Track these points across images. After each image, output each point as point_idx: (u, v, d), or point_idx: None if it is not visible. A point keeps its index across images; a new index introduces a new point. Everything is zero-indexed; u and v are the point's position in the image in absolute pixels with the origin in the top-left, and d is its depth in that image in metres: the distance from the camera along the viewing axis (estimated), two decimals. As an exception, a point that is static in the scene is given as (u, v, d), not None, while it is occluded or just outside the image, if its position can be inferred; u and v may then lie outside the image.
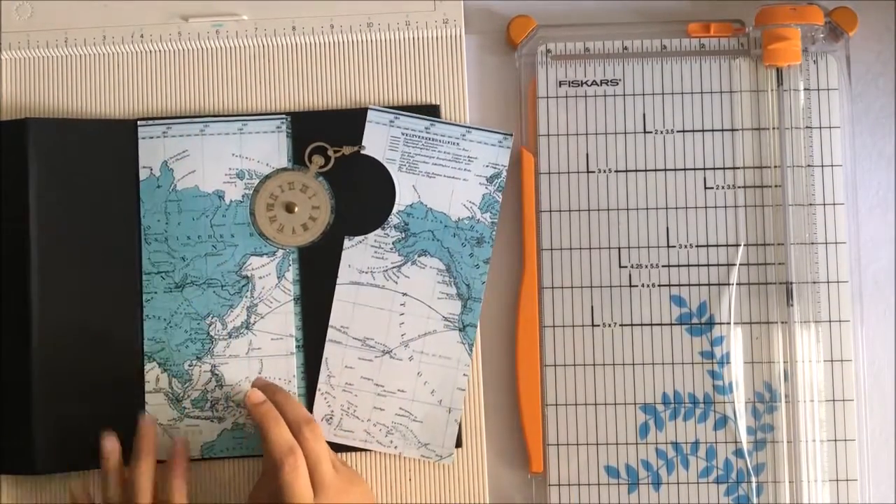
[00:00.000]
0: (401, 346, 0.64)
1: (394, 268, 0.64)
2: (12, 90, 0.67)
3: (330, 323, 0.64)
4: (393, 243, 0.64)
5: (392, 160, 0.65)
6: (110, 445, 0.61)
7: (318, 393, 0.64)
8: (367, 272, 0.64)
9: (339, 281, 0.64)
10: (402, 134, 0.65)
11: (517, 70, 0.67)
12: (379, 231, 0.65)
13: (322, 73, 0.67)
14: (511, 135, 0.65)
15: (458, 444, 0.64)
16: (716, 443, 0.63)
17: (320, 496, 0.57)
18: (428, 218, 0.65)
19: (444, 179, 0.65)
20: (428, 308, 0.64)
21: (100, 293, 0.64)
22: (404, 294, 0.64)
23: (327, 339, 0.64)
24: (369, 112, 0.65)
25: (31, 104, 0.66)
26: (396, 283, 0.64)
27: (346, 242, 0.64)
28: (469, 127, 0.65)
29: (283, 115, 0.66)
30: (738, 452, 0.63)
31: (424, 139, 0.65)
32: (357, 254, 0.65)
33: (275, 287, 0.64)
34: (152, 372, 0.64)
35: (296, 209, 0.65)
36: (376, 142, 0.65)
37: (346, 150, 0.65)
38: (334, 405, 0.64)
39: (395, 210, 0.65)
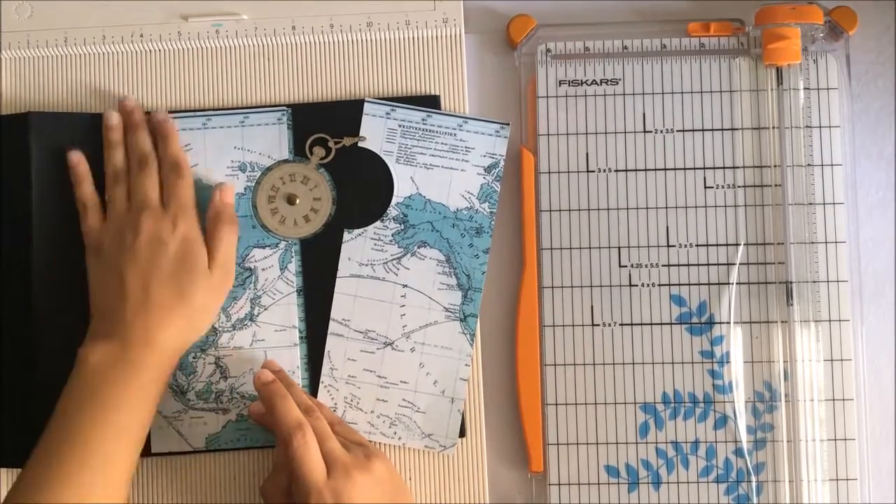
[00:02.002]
0: (402, 337, 0.64)
1: (394, 260, 0.64)
2: (12, 90, 0.67)
3: (331, 316, 0.64)
4: (392, 235, 0.65)
5: (389, 152, 0.65)
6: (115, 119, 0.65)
7: (321, 385, 0.64)
8: (367, 265, 0.64)
9: (339, 274, 0.64)
10: (399, 126, 0.65)
11: (517, 69, 0.67)
12: (378, 223, 0.65)
13: (322, 72, 0.67)
14: (508, 124, 0.65)
15: (462, 433, 0.64)
16: (716, 442, 0.63)
17: (334, 473, 0.55)
18: (426, 209, 0.65)
19: (441, 170, 0.65)
20: (429, 299, 0.64)
21: None
22: (405, 286, 0.64)
23: (329, 331, 0.64)
24: (366, 104, 0.65)
25: (31, 104, 0.66)
26: (397, 274, 0.64)
27: (346, 235, 0.65)
28: (466, 117, 0.65)
29: (284, 108, 0.66)
30: (738, 452, 0.63)
31: (421, 130, 0.65)
32: (357, 246, 0.65)
33: (277, 279, 0.65)
34: None
35: (297, 201, 0.65)
36: (374, 134, 0.65)
37: (347, 141, 0.65)
38: (337, 398, 0.64)
39: (393, 202, 0.65)
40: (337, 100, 0.66)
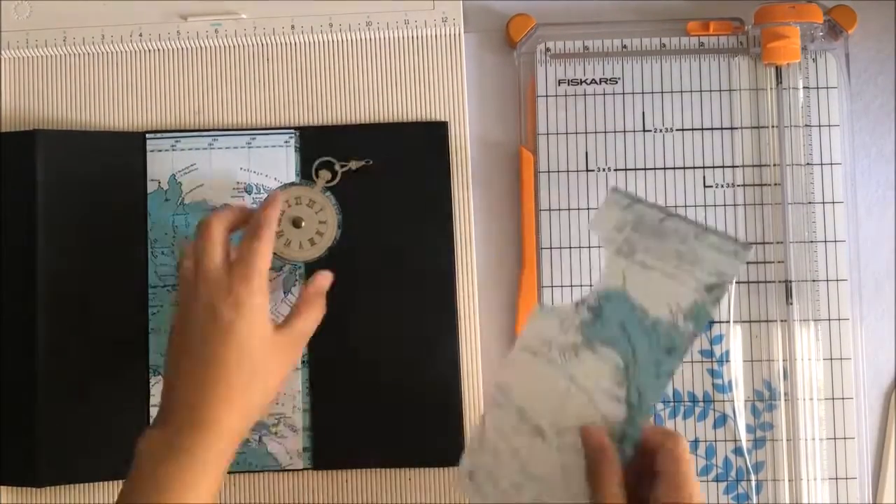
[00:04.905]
0: (552, 428, 0.55)
1: (571, 347, 0.55)
2: (11, 89, 0.67)
3: (495, 382, 0.57)
4: (581, 321, 0.55)
5: (612, 241, 0.56)
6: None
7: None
8: (546, 343, 0.56)
9: (518, 344, 0.57)
10: (636, 220, 0.56)
11: (516, 69, 0.67)
12: (571, 304, 0.56)
13: (321, 72, 0.66)
14: (751, 245, 0.58)
15: (462, 435, 0.63)
16: (715, 441, 0.63)
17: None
18: (624, 308, 0.55)
19: (657, 274, 0.55)
20: (589, 401, 0.55)
21: (106, 306, 0.64)
22: (571, 377, 0.55)
23: (493, 400, 0.56)
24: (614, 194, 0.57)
25: (30, 103, 0.66)
26: (567, 362, 0.55)
27: (539, 311, 0.56)
28: (705, 229, 0.54)
29: (292, 130, 0.65)
30: (738, 451, 0.63)
31: (652, 230, 0.55)
32: (544, 322, 0.56)
33: (281, 302, 0.64)
34: (158, 385, 0.63)
35: (303, 224, 0.64)
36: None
37: (353, 164, 0.65)
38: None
39: (594, 288, 0.56)
40: (338, 105, 0.66)
